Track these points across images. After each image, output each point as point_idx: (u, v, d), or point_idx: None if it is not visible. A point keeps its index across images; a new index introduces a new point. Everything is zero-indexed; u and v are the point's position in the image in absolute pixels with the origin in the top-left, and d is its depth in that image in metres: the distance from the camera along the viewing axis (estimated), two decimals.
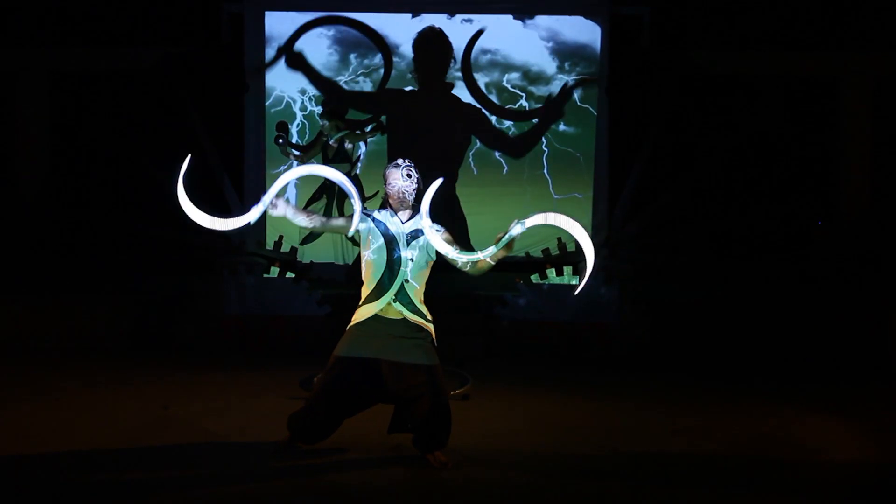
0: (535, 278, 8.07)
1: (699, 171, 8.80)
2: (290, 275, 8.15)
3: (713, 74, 8.94)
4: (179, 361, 7.22)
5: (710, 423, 5.48)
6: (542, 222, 4.29)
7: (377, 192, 8.04)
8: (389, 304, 4.40)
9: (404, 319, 4.42)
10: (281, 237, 8.60)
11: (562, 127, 9.01)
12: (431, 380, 4.36)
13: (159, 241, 8.75)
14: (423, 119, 8.83)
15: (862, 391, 6.53)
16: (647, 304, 7.88)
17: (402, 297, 4.41)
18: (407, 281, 4.41)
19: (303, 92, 9.13)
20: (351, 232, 4.43)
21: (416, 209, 4.49)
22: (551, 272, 8.08)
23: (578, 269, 8.05)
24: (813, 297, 7.94)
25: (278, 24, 9.08)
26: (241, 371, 6.85)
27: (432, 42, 8.93)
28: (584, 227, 8.82)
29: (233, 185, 8.89)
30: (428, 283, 4.59)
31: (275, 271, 8.17)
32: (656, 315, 7.84)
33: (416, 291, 4.46)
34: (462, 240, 4.52)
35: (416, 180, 4.50)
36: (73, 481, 4.17)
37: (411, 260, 4.42)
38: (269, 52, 9.04)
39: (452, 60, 8.89)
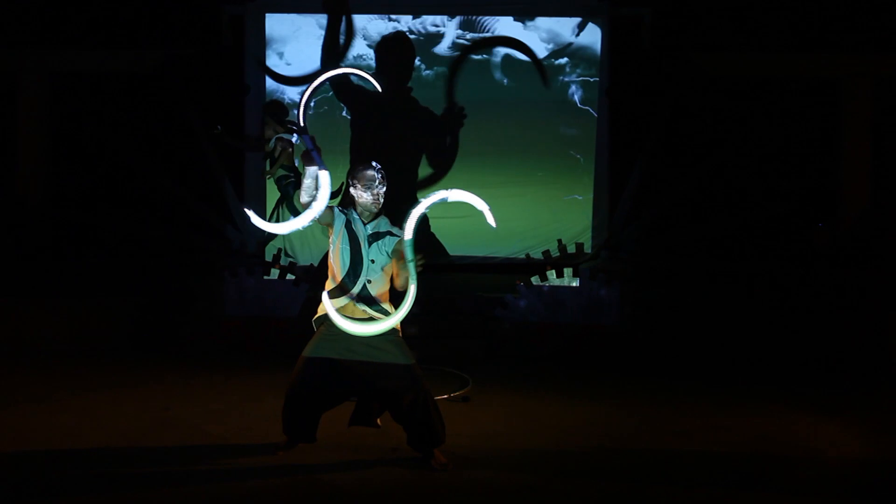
0: (535, 280, 8.06)
1: (700, 172, 8.79)
2: (290, 277, 8.15)
3: (713, 76, 8.94)
4: (179, 363, 7.22)
5: (711, 424, 5.47)
6: (440, 199, 4.31)
7: (342, 183, 8.10)
8: (352, 303, 4.44)
9: (371, 319, 4.44)
10: (280, 250, 8.61)
11: (562, 129, 9.02)
12: (410, 376, 4.40)
13: (160, 242, 8.77)
14: (383, 120, 8.87)
15: (862, 392, 6.52)
16: (647, 306, 7.88)
17: (364, 296, 4.45)
18: (369, 281, 4.46)
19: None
20: (316, 212, 4.35)
21: (379, 212, 4.56)
22: (551, 274, 8.07)
23: (579, 271, 8.05)
24: (813, 299, 7.93)
25: (279, 26, 9.10)
26: (241, 373, 6.85)
27: (395, 46, 8.94)
28: (584, 228, 8.98)
29: (233, 186, 8.89)
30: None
31: (275, 273, 8.17)
32: (657, 317, 7.83)
33: (380, 290, 4.50)
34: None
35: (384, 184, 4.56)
36: (74, 482, 4.17)
37: (372, 261, 4.46)
38: (270, 54, 9.05)
39: (414, 65, 8.91)
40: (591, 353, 7.69)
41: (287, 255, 8.71)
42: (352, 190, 4.56)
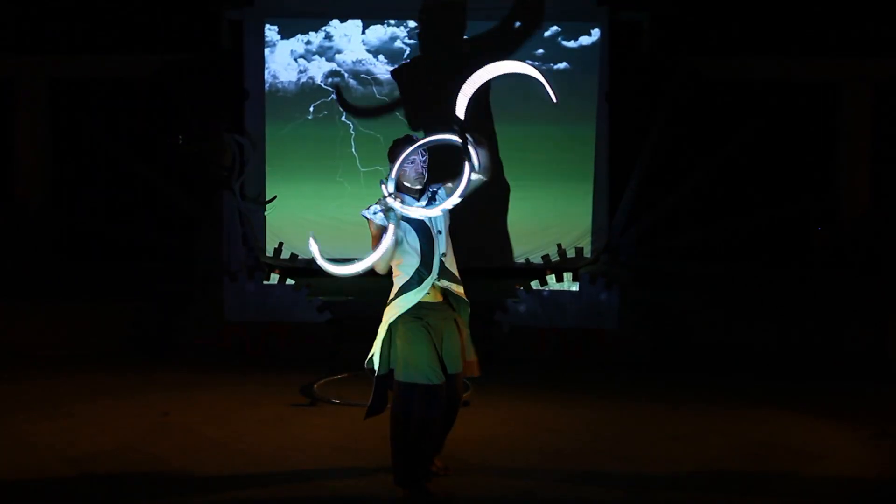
0: (535, 284, 8.06)
1: (699, 176, 8.80)
2: (290, 282, 8.15)
3: (712, 80, 8.96)
4: (179, 368, 7.21)
5: (711, 428, 5.47)
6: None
7: (275, 196, 8.58)
8: (434, 285, 4.21)
9: (454, 295, 4.31)
10: (281, 244, 8.61)
11: (561, 133, 9.02)
12: (461, 384, 4.31)
13: (159, 247, 8.77)
14: (432, 86, 8.73)
15: (862, 395, 6.51)
16: (647, 310, 7.88)
17: (443, 272, 4.24)
18: (444, 254, 4.23)
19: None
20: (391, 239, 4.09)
21: (425, 184, 4.27)
22: (551, 278, 8.07)
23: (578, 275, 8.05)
24: (813, 301, 7.94)
25: (277, 32, 9.10)
26: (241, 378, 6.84)
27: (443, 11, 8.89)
28: (584, 233, 8.97)
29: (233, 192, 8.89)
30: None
31: (275, 278, 8.17)
32: (656, 320, 7.83)
33: (450, 259, 4.29)
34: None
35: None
36: (73, 488, 4.16)
37: (439, 232, 4.22)
38: (269, 59, 9.06)
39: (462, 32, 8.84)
40: (591, 357, 7.69)
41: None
42: (401, 167, 4.19)
